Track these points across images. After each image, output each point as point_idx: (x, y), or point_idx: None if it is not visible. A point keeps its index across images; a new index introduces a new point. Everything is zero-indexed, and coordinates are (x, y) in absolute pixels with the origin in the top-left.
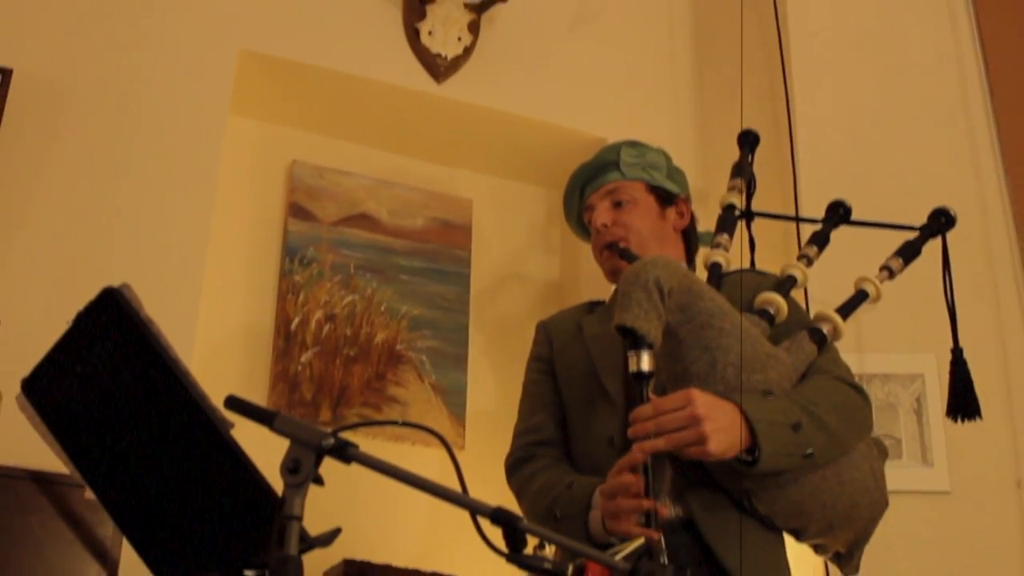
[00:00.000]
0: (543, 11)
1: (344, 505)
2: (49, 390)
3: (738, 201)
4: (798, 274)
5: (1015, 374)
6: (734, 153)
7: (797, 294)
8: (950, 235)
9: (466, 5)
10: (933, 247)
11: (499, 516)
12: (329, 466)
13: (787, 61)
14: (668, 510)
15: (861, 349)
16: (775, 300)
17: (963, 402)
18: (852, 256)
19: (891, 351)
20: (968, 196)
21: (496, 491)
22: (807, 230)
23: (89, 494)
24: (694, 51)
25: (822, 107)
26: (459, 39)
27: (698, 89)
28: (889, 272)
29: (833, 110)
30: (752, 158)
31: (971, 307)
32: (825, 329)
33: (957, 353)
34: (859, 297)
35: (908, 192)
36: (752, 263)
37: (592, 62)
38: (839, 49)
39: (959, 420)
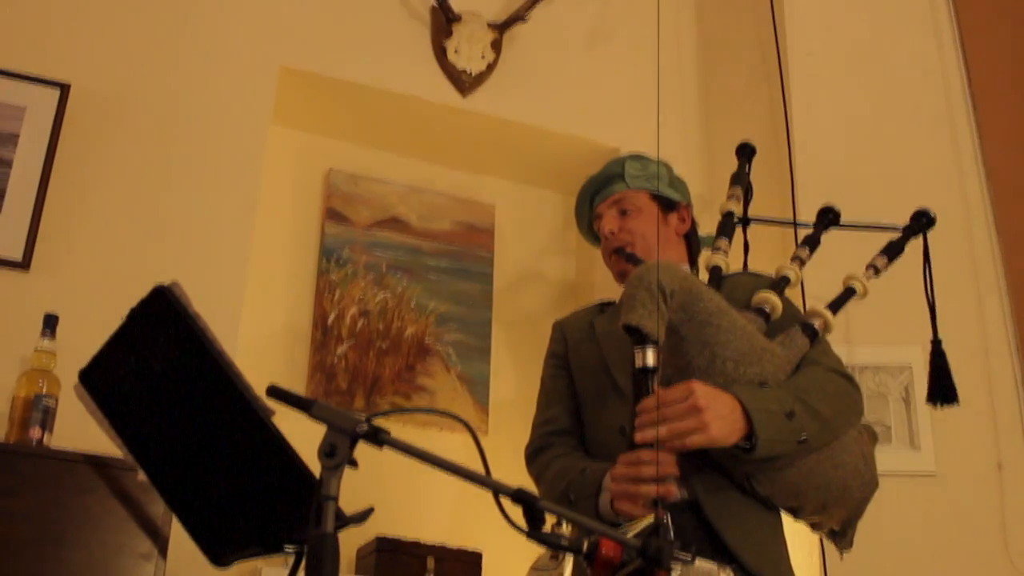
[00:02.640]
0: (560, 31)
1: (377, 486)
2: (104, 380)
3: (736, 208)
4: (791, 274)
5: (995, 364)
6: (736, 162)
7: (792, 292)
8: (936, 236)
9: (489, 24)
10: (918, 245)
11: (520, 496)
12: (363, 450)
13: (786, 77)
14: (675, 492)
15: (855, 342)
16: (770, 299)
17: (942, 389)
18: (846, 255)
19: (882, 344)
20: (953, 200)
21: (517, 473)
22: (804, 233)
23: (141, 476)
24: (700, 68)
25: (818, 119)
26: (483, 56)
27: (703, 103)
28: (875, 270)
29: (828, 122)
30: (749, 168)
31: (955, 302)
32: (816, 324)
33: (936, 344)
34: (847, 293)
35: (898, 197)
36: (745, 264)
37: (605, 78)
38: (834, 66)
39: (938, 405)
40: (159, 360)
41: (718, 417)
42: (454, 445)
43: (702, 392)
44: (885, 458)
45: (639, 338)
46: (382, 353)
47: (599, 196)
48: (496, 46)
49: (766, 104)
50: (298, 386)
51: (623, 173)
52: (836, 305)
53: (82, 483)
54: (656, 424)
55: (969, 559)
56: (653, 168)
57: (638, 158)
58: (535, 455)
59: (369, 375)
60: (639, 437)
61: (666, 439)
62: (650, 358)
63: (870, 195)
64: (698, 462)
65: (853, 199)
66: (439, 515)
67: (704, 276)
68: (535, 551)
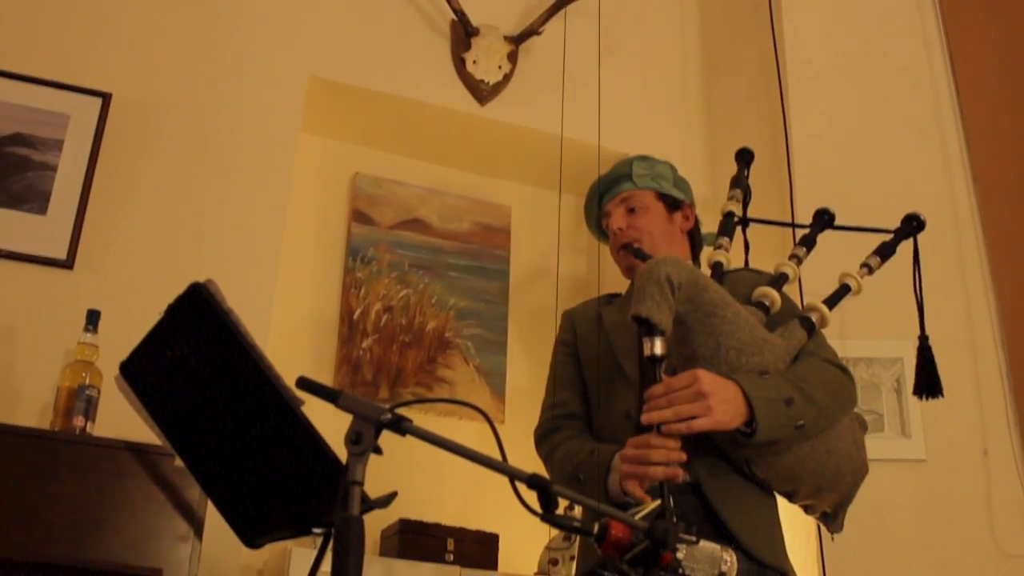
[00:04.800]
0: (573, 43)
1: (400, 472)
2: (143, 371)
3: (736, 209)
4: (789, 271)
5: (982, 357)
6: (736, 166)
7: (791, 289)
8: (926, 236)
9: (506, 37)
10: (909, 246)
11: (535, 481)
12: (387, 438)
13: (784, 86)
14: (681, 475)
15: (850, 336)
16: (770, 294)
17: (927, 382)
18: (842, 254)
19: (876, 338)
20: (942, 203)
21: (532, 460)
22: (802, 234)
23: (178, 462)
24: (704, 77)
25: (815, 126)
26: (499, 67)
27: (707, 110)
28: (868, 269)
29: (824, 128)
30: (748, 172)
31: (944, 299)
32: (814, 318)
33: (923, 339)
34: (843, 290)
35: (890, 199)
36: (746, 262)
37: (615, 87)
38: (830, 76)
39: (924, 398)
40: (195, 353)
41: (722, 403)
42: (472, 433)
43: (707, 379)
44: (877, 445)
45: (648, 328)
46: (405, 346)
47: (608, 195)
48: (512, 58)
49: (766, 111)
50: (326, 378)
51: (630, 173)
52: (832, 301)
53: (122, 469)
54: (663, 409)
55: (957, 540)
56: (659, 168)
57: (645, 159)
58: (545, 436)
59: (393, 367)
60: (646, 418)
61: (672, 423)
62: (658, 347)
63: (864, 197)
64: (700, 447)
65: (848, 201)
66: (459, 499)
67: (706, 271)
68: (548, 533)
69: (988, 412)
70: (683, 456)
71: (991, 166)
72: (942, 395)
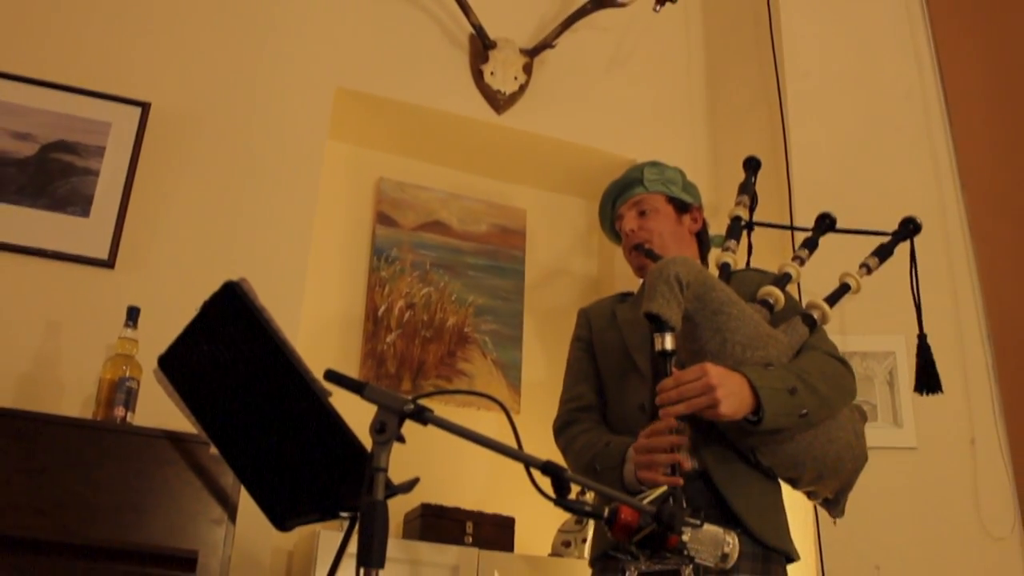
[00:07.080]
0: (584, 55)
1: (422, 459)
2: (180, 364)
3: (744, 214)
4: (793, 272)
5: (969, 351)
6: (740, 171)
7: (791, 288)
8: (918, 238)
9: (521, 50)
10: (904, 247)
11: (548, 468)
12: (409, 427)
13: (784, 96)
14: (688, 463)
15: (844, 331)
16: (774, 292)
17: (927, 380)
18: (838, 255)
19: (869, 333)
20: (931, 206)
21: (546, 448)
22: (800, 237)
23: (213, 450)
24: (707, 88)
25: (812, 134)
26: (515, 78)
27: (710, 119)
28: (867, 269)
29: (821, 136)
30: (755, 179)
31: (934, 297)
32: (815, 315)
33: (922, 339)
34: (843, 289)
35: (883, 203)
36: (748, 263)
37: (624, 97)
38: (826, 87)
39: (924, 394)
40: (229, 347)
41: (729, 394)
42: (490, 422)
43: (714, 372)
44: (871, 434)
45: (659, 325)
46: (426, 341)
47: (620, 198)
48: (527, 69)
49: (766, 120)
50: (351, 370)
51: (642, 178)
52: (832, 299)
53: (160, 456)
54: (675, 401)
55: (946, 523)
56: (669, 173)
57: (655, 165)
58: (563, 429)
59: (415, 360)
60: (662, 413)
61: (683, 414)
62: (668, 342)
63: (858, 201)
64: (708, 436)
65: (843, 205)
66: (477, 484)
67: (714, 272)
68: (562, 516)
69: (975, 403)
70: (686, 442)
71: (978, 172)
72: (941, 391)
